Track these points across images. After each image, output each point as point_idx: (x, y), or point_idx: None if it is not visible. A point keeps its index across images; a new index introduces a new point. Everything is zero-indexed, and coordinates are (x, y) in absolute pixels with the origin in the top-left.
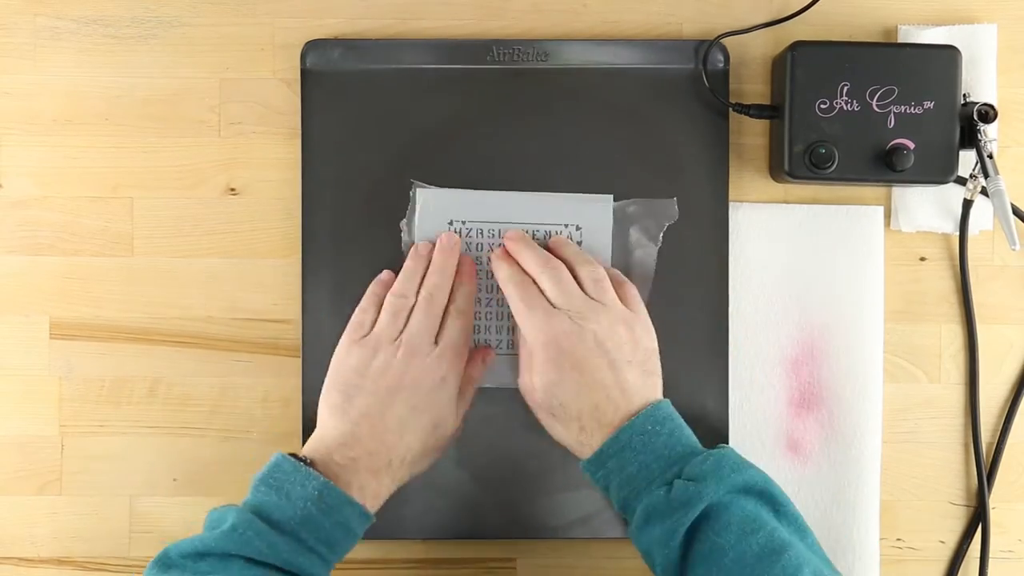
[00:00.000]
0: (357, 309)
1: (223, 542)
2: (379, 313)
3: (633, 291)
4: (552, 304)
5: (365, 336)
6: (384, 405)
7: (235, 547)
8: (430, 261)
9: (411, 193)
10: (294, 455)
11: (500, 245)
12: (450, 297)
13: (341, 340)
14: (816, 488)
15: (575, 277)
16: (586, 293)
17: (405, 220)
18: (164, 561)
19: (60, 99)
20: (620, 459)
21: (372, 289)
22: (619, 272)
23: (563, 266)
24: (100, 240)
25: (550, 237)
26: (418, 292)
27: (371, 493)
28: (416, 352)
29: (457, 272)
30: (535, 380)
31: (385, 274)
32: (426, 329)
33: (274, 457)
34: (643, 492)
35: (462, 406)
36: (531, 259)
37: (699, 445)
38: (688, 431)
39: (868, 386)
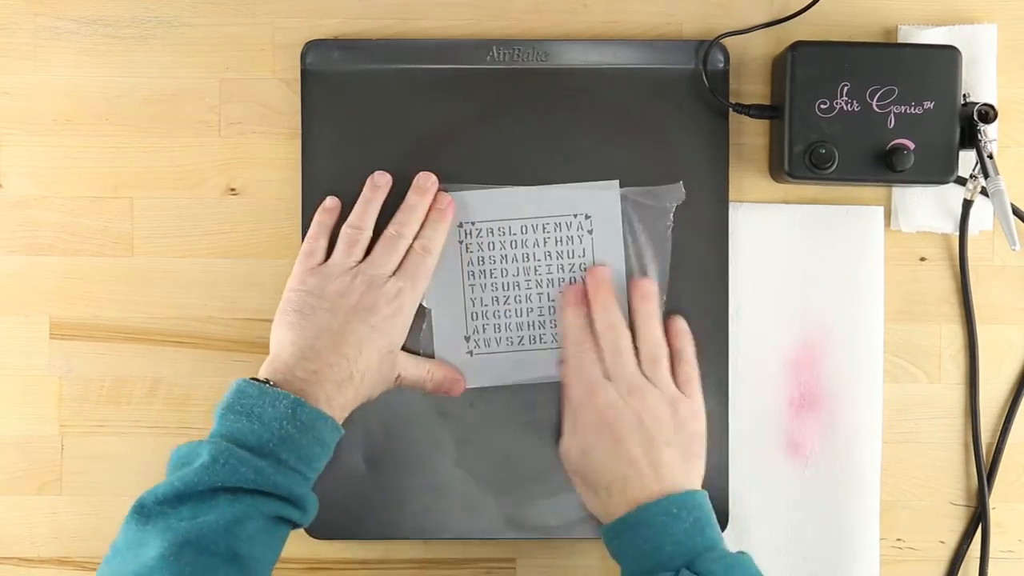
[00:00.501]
0: (306, 238)
1: (204, 476)
2: (329, 242)
3: (692, 373)
4: (605, 372)
5: (320, 264)
6: (343, 322)
7: (218, 479)
8: (384, 193)
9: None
10: (254, 379)
11: (576, 282)
12: (420, 233)
13: (293, 270)
14: (816, 488)
15: (635, 345)
16: (640, 367)
17: None
18: (141, 512)
19: (60, 99)
20: (636, 534)
21: (318, 217)
22: (686, 348)
23: (628, 335)
24: (100, 240)
25: (560, 228)
26: (378, 225)
27: (337, 405)
28: (373, 279)
29: (433, 207)
30: (574, 442)
31: (330, 200)
32: (386, 264)
33: (235, 384)
34: (649, 573)
35: (407, 367)
36: (601, 316)
37: (722, 544)
38: (716, 528)
39: (868, 386)
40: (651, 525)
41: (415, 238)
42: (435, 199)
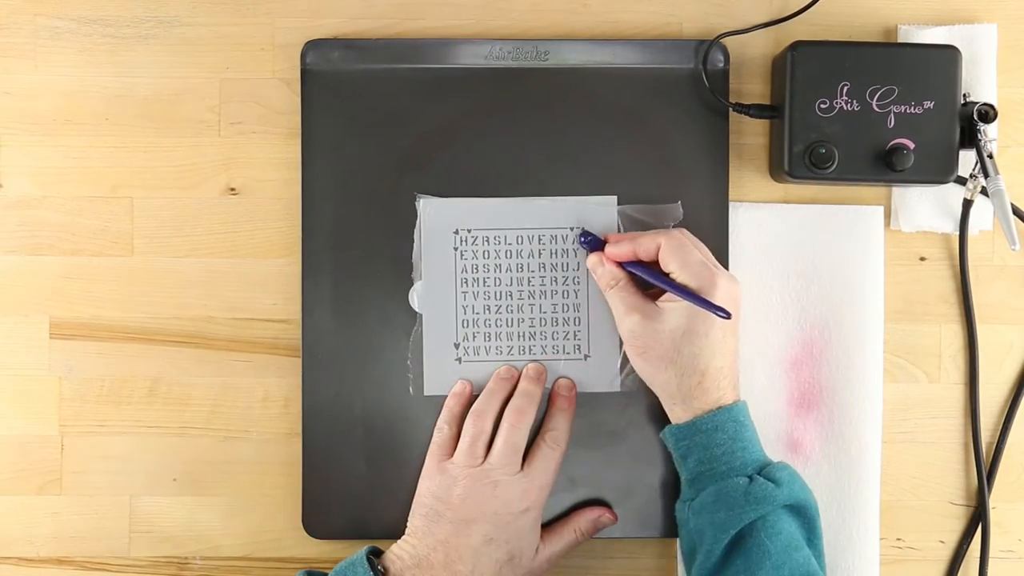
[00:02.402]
0: (435, 428)
1: None
2: (459, 429)
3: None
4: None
5: (449, 459)
6: (460, 535)
7: None
8: (514, 384)
9: (416, 203)
10: (374, 556)
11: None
12: (547, 424)
13: (427, 458)
14: (816, 488)
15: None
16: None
17: (416, 231)
18: None
19: (60, 99)
20: (710, 437)
21: (448, 404)
22: None
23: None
24: (100, 240)
25: (555, 241)
26: (500, 414)
27: None
28: (498, 482)
29: (555, 398)
30: (675, 335)
31: (459, 385)
32: (508, 458)
33: (361, 552)
34: (721, 475)
35: (552, 547)
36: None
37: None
38: (757, 436)
39: (868, 386)
40: (725, 430)
41: (545, 430)
42: (557, 386)
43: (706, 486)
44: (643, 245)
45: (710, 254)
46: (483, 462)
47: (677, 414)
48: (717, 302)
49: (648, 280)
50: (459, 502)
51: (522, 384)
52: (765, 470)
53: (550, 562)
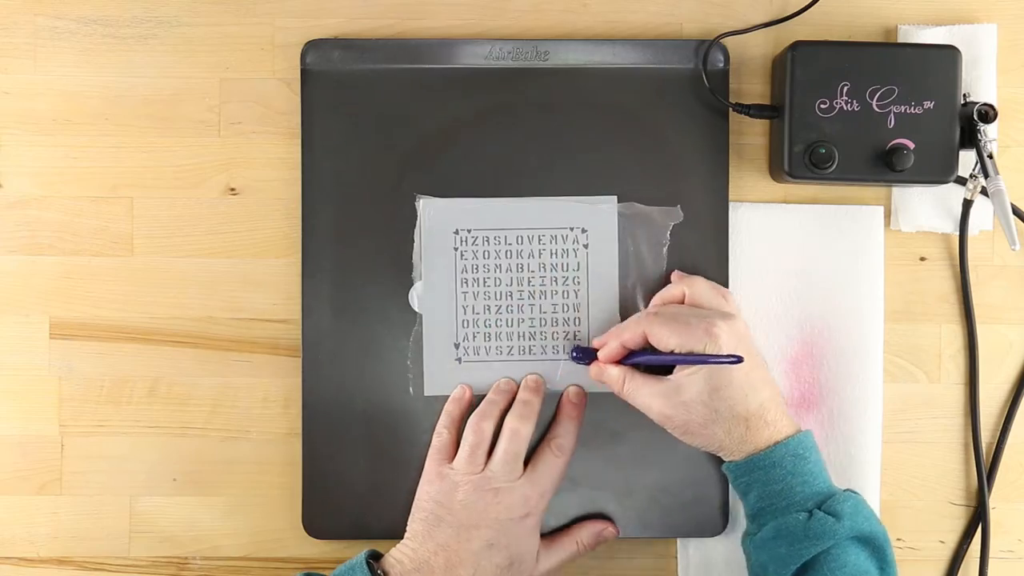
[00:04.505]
0: (435, 432)
1: None
2: (458, 434)
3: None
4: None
5: (448, 463)
6: (461, 540)
7: None
8: (510, 398)
9: (416, 204)
10: (374, 560)
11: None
12: (553, 430)
13: (427, 462)
14: None
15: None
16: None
17: (416, 231)
18: None
19: (60, 99)
20: (768, 473)
21: (448, 407)
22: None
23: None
24: (100, 240)
25: (555, 241)
26: (500, 422)
27: None
28: (500, 489)
29: (564, 405)
30: (702, 396)
31: (459, 390)
32: (509, 466)
33: (361, 555)
34: (782, 512)
35: (553, 557)
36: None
37: (833, 483)
38: (825, 467)
39: (868, 386)
40: (783, 465)
41: (551, 437)
42: (568, 393)
43: (767, 522)
44: (629, 336)
45: (700, 289)
46: (484, 469)
47: (734, 454)
48: (724, 348)
49: (653, 364)
50: (460, 508)
51: (521, 394)
52: (827, 503)
53: (550, 572)
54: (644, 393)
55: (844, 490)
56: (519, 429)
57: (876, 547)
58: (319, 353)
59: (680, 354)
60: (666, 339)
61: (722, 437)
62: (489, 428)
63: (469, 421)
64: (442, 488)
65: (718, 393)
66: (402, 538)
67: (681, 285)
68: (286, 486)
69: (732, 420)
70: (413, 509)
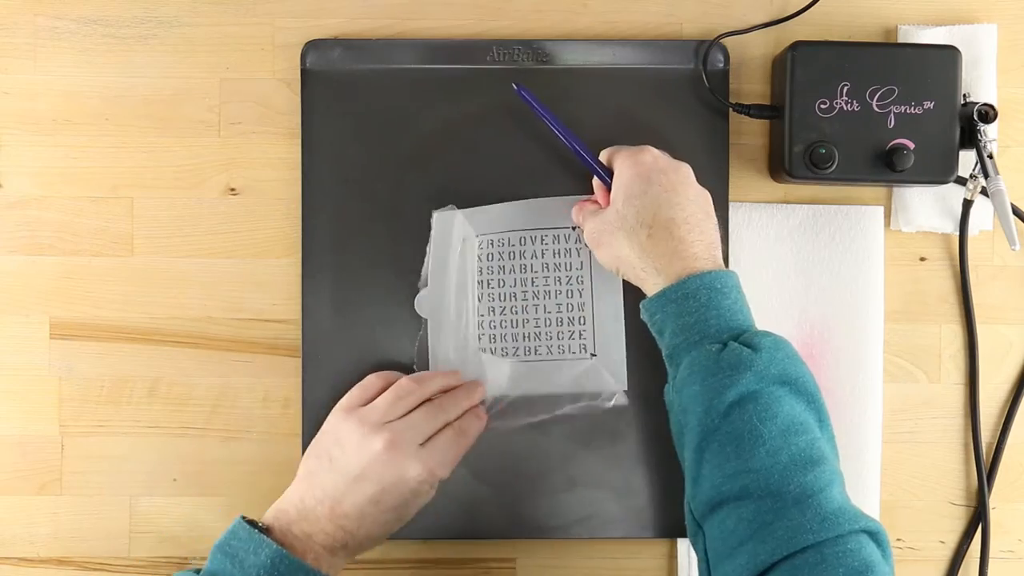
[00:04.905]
0: (359, 384)
1: None
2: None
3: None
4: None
5: (360, 408)
6: (346, 491)
7: None
8: (452, 386)
9: (431, 219)
10: (253, 521)
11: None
12: (463, 416)
13: (344, 397)
14: None
15: None
16: None
17: (430, 244)
18: None
19: (60, 99)
20: (681, 306)
21: (381, 373)
22: None
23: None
24: (100, 240)
25: (558, 241)
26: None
27: (326, 564)
28: (398, 446)
29: (476, 409)
30: (616, 203)
31: (403, 378)
32: (419, 429)
33: (234, 522)
34: (695, 345)
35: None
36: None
37: (756, 325)
38: (750, 310)
39: (868, 386)
40: (697, 298)
41: (459, 419)
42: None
43: (681, 359)
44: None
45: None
46: (392, 423)
47: (650, 287)
48: (643, 167)
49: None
50: (352, 453)
51: (465, 384)
52: (743, 336)
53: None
54: (588, 219)
55: (763, 331)
56: (438, 411)
57: (810, 397)
58: (319, 353)
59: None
60: (610, 154)
61: (629, 251)
62: (420, 394)
63: (405, 378)
64: (345, 427)
65: (629, 200)
66: (401, 537)
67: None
68: (286, 486)
69: (636, 227)
70: (313, 442)
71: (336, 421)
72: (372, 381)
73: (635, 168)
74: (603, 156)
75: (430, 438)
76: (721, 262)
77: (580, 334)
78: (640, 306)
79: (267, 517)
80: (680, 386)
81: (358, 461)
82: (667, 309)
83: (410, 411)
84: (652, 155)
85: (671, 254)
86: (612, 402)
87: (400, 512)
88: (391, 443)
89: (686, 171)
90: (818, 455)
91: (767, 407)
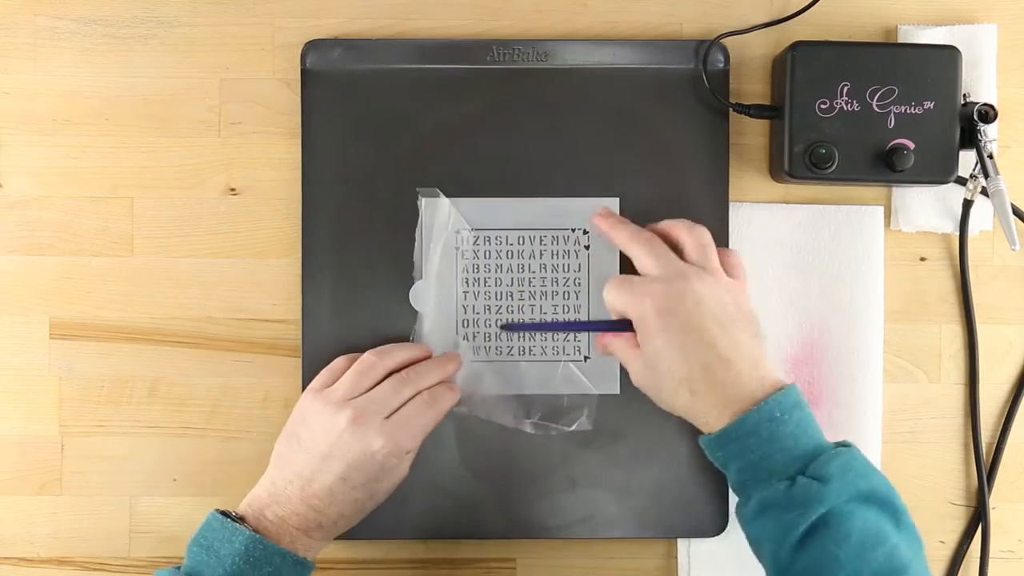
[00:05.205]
0: (327, 367)
1: None
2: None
3: (735, 259)
4: (652, 274)
5: (328, 387)
6: (316, 470)
7: None
8: (420, 358)
9: (417, 203)
10: (226, 512)
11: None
12: (431, 389)
13: (306, 389)
14: None
15: (679, 245)
16: (687, 259)
17: (418, 230)
18: None
19: (60, 99)
20: (743, 444)
21: (350, 355)
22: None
23: (655, 237)
24: (100, 240)
25: (557, 241)
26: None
27: (302, 546)
28: (361, 421)
29: (448, 382)
30: (643, 356)
31: (366, 353)
32: (383, 403)
33: (208, 515)
34: (763, 483)
35: (411, 456)
36: (621, 235)
37: (824, 439)
38: (814, 422)
39: (868, 386)
40: (758, 434)
41: (430, 390)
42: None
43: (752, 496)
44: (622, 239)
45: (692, 242)
46: (355, 399)
47: (711, 424)
48: (647, 311)
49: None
50: (320, 432)
51: (436, 357)
52: (811, 467)
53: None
54: (630, 365)
55: (835, 445)
56: (407, 380)
57: (882, 502)
58: (319, 353)
59: (562, 323)
60: (612, 298)
61: (678, 406)
62: (383, 367)
63: (367, 352)
64: (311, 408)
65: (653, 365)
66: (401, 537)
67: (683, 231)
68: None
69: (675, 387)
70: (284, 428)
71: (303, 403)
72: (339, 362)
73: (640, 320)
74: (605, 292)
75: (397, 411)
76: (772, 373)
77: (575, 336)
78: (699, 442)
79: (241, 506)
80: (751, 519)
81: (324, 439)
82: (729, 448)
83: (375, 385)
84: (647, 286)
85: (720, 399)
86: (574, 427)
87: (370, 489)
88: (354, 418)
89: (693, 282)
90: (899, 563)
91: (838, 527)
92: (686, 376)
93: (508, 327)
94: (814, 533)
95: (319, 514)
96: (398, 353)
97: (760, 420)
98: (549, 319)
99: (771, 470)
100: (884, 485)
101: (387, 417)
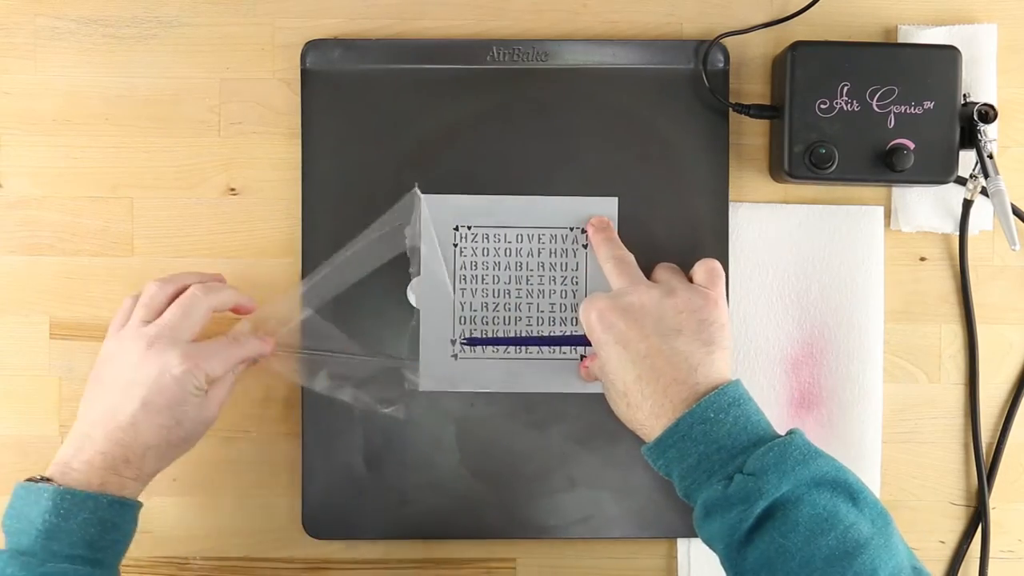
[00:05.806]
0: (120, 309)
1: None
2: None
3: (711, 264)
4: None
5: (124, 326)
6: (119, 402)
7: None
8: (206, 282)
9: (413, 198)
10: (31, 478)
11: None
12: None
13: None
14: None
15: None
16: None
17: (408, 226)
18: None
19: (60, 99)
20: (680, 449)
21: (133, 294)
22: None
23: (628, 256)
24: (100, 240)
25: (555, 240)
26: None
27: (115, 487)
28: (156, 341)
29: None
30: (597, 365)
31: (148, 283)
32: (177, 325)
33: (14, 487)
34: (703, 484)
35: (218, 394)
36: (601, 251)
37: (768, 430)
38: (757, 416)
39: (868, 386)
40: (692, 436)
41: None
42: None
43: (696, 499)
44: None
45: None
46: (148, 325)
47: (648, 434)
48: (593, 324)
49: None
50: (121, 363)
51: (221, 279)
52: (748, 462)
53: (222, 404)
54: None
55: (780, 435)
56: (198, 295)
57: (833, 484)
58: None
59: (528, 337)
60: (580, 314)
61: (619, 414)
62: (168, 291)
63: (148, 283)
64: (108, 347)
65: (604, 372)
66: (401, 537)
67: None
68: (286, 486)
69: (616, 396)
70: (88, 379)
71: (104, 347)
72: (127, 303)
73: (589, 334)
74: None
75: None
76: (712, 377)
77: (572, 334)
78: (642, 453)
79: (52, 467)
80: (700, 524)
81: (124, 371)
82: (667, 455)
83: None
84: (597, 301)
85: (653, 409)
86: (389, 410)
87: (175, 414)
88: (150, 340)
89: (641, 295)
90: (853, 544)
91: (784, 517)
92: (622, 389)
93: (471, 342)
94: (760, 527)
95: (125, 448)
96: (181, 277)
97: (693, 423)
98: (546, 318)
99: (710, 471)
100: (832, 466)
101: (185, 341)
